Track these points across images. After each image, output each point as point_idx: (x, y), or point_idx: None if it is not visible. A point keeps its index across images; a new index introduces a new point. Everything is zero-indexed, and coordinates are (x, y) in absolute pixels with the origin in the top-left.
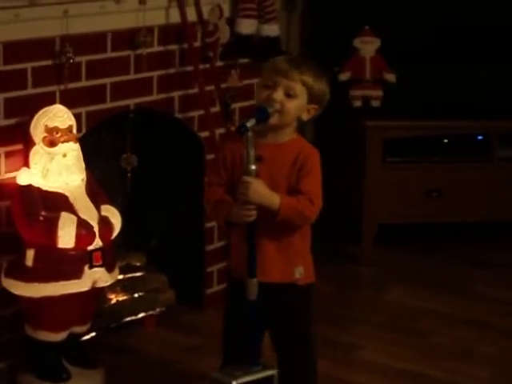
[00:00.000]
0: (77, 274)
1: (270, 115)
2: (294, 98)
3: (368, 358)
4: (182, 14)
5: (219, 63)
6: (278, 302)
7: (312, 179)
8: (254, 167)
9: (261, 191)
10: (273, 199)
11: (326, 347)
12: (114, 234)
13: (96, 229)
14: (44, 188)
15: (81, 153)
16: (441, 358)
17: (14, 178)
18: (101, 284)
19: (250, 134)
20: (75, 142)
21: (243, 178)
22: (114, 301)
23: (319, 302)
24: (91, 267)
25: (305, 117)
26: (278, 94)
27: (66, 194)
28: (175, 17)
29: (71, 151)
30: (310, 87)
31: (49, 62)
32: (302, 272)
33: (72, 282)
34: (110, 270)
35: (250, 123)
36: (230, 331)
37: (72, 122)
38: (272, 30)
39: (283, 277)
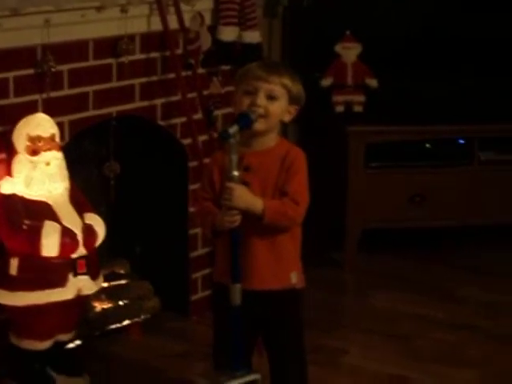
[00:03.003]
0: (61, 283)
1: (253, 121)
2: (276, 100)
3: (354, 362)
4: (164, 22)
5: (201, 70)
6: (277, 310)
7: (298, 180)
8: (236, 173)
9: (244, 196)
10: (256, 203)
11: (312, 352)
12: (98, 242)
13: (80, 237)
14: (27, 197)
15: (64, 161)
16: (427, 361)
17: None
18: (85, 292)
19: (232, 140)
20: (58, 151)
21: (226, 185)
22: (98, 309)
23: (304, 308)
24: (75, 275)
25: (287, 118)
26: (261, 99)
27: (50, 202)
28: (157, 25)
29: (54, 160)
30: (289, 89)
31: (31, 71)
32: (297, 276)
33: (56, 290)
34: (94, 277)
35: (232, 129)
36: (221, 338)
37: (55, 130)
38: (253, 36)
39: (281, 283)
